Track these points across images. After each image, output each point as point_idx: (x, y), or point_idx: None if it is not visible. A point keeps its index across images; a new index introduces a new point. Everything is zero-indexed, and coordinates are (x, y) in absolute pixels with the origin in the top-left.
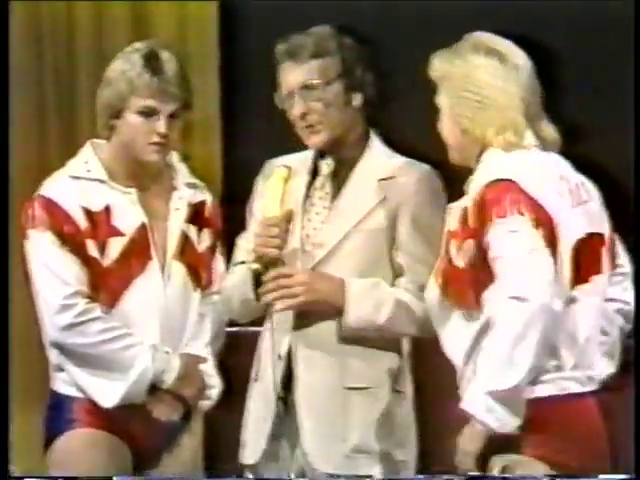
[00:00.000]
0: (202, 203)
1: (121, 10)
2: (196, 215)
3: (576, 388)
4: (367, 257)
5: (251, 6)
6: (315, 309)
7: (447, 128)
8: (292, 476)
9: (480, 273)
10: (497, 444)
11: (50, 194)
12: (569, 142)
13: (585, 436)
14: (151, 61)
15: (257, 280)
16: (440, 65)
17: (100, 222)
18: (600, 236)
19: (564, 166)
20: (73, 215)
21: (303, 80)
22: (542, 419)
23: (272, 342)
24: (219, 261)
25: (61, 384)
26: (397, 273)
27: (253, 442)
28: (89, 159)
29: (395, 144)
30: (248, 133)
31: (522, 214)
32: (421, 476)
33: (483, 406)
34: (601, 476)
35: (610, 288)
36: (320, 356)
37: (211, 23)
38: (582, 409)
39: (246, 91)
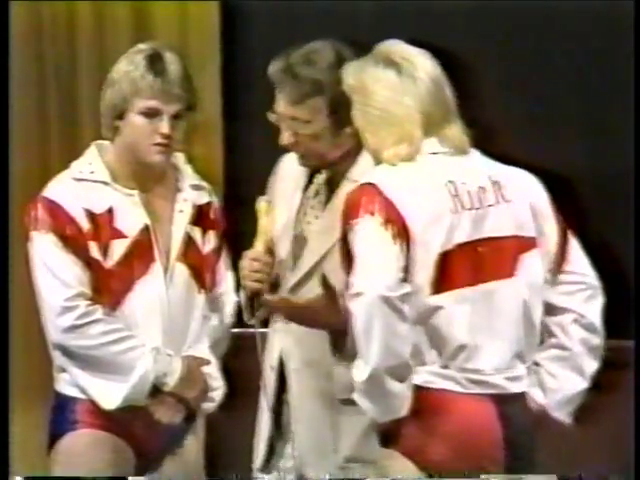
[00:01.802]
0: (208, 205)
1: (122, 10)
2: (201, 217)
3: (443, 385)
4: None
5: (253, 6)
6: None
7: (362, 141)
8: None
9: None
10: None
11: (53, 196)
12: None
13: (453, 432)
14: (154, 62)
15: (251, 300)
16: (348, 79)
17: (103, 224)
18: (517, 239)
19: (461, 171)
20: (75, 217)
21: (291, 115)
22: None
23: (264, 353)
24: (225, 263)
25: (64, 385)
26: None
27: (260, 446)
28: (93, 161)
29: None
30: (250, 134)
31: (372, 213)
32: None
33: (357, 396)
34: (601, 476)
35: (560, 297)
36: (310, 368)
37: (212, 23)
38: (451, 406)
39: (248, 92)
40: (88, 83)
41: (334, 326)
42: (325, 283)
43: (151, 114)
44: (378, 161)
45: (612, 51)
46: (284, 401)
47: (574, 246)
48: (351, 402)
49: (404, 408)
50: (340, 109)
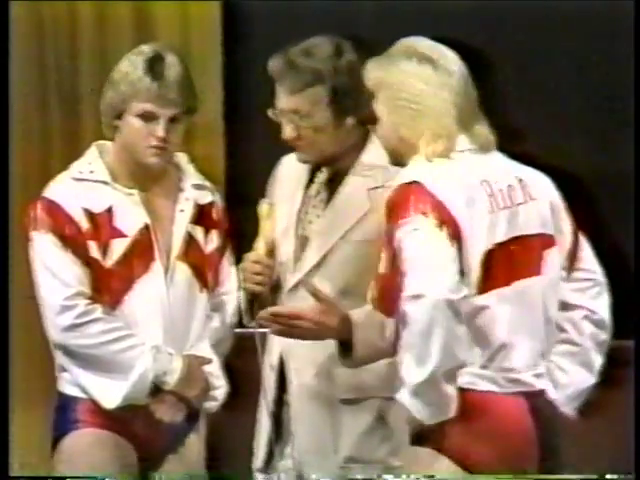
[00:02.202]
0: (210, 204)
1: (124, 10)
2: (203, 216)
3: (484, 386)
4: (355, 268)
5: (254, 6)
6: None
7: (385, 136)
8: None
9: (396, 279)
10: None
11: (52, 196)
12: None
13: (494, 432)
14: (153, 65)
15: (251, 303)
16: (374, 74)
17: (102, 224)
18: (543, 237)
19: (492, 169)
20: (75, 217)
21: (293, 107)
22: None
23: (264, 352)
24: (228, 262)
25: (66, 385)
26: None
27: (260, 445)
28: (93, 161)
29: None
30: (251, 134)
31: (425, 214)
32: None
33: (407, 398)
34: (601, 476)
35: (573, 294)
36: (310, 368)
37: (214, 24)
38: (492, 407)
39: (249, 92)
40: (89, 83)
41: (330, 337)
42: (316, 295)
43: (147, 117)
44: (406, 156)
45: (612, 51)
46: (284, 402)
47: (585, 244)
48: (351, 402)
49: (453, 410)
50: (341, 99)
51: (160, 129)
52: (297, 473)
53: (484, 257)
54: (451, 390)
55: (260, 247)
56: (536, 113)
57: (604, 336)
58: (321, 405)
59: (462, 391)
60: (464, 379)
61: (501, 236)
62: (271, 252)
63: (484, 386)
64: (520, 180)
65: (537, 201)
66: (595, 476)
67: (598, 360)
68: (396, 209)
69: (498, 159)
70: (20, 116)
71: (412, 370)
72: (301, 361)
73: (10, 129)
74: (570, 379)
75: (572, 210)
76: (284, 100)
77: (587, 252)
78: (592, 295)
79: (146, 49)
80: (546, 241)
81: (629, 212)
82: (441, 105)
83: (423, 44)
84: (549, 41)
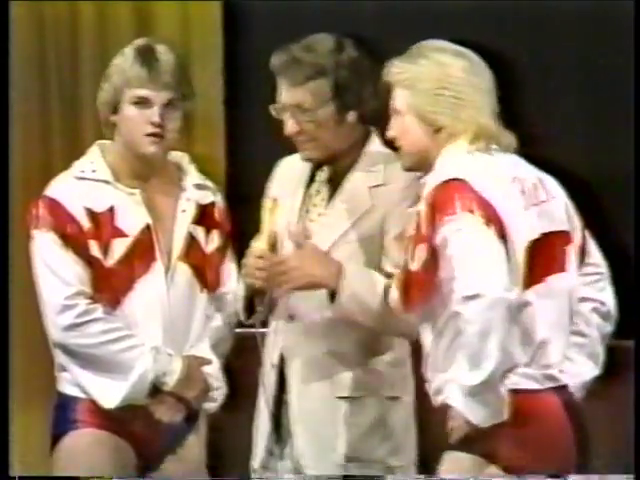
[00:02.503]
0: (212, 204)
1: (124, 10)
2: (205, 216)
3: (526, 384)
4: (356, 265)
5: (254, 6)
6: (309, 290)
7: (411, 131)
8: None
9: (431, 277)
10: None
11: (54, 194)
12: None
13: (539, 434)
14: (143, 53)
15: (250, 300)
16: (404, 67)
17: (104, 223)
18: (564, 234)
19: (519, 167)
20: (76, 216)
21: (295, 101)
22: None
23: (265, 349)
24: (229, 262)
25: (65, 385)
26: (386, 282)
27: (259, 446)
28: (95, 160)
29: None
30: (252, 133)
31: (472, 212)
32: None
33: (461, 400)
34: (601, 476)
35: (583, 288)
36: (310, 365)
37: (214, 23)
38: (535, 406)
39: (249, 91)
40: (90, 83)
41: (319, 285)
42: (297, 243)
43: (142, 103)
44: (434, 150)
45: (612, 51)
46: (283, 401)
47: (590, 239)
48: (351, 401)
49: (506, 412)
50: (343, 94)
51: (155, 114)
52: (296, 472)
53: (525, 254)
54: (504, 392)
55: (263, 242)
56: (536, 113)
57: (609, 328)
58: (321, 403)
59: (509, 393)
60: (511, 380)
61: (535, 233)
62: (274, 247)
63: (526, 384)
64: (540, 179)
65: (556, 199)
66: (595, 476)
67: (602, 352)
68: (439, 206)
69: (517, 159)
70: (21, 115)
71: (468, 371)
72: (301, 359)
73: (11, 129)
74: (578, 370)
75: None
76: (286, 94)
77: (594, 247)
78: (600, 288)
79: (137, 41)
80: (566, 238)
81: (629, 212)
82: (481, 99)
83: (448, 44)
84: (549, 41)
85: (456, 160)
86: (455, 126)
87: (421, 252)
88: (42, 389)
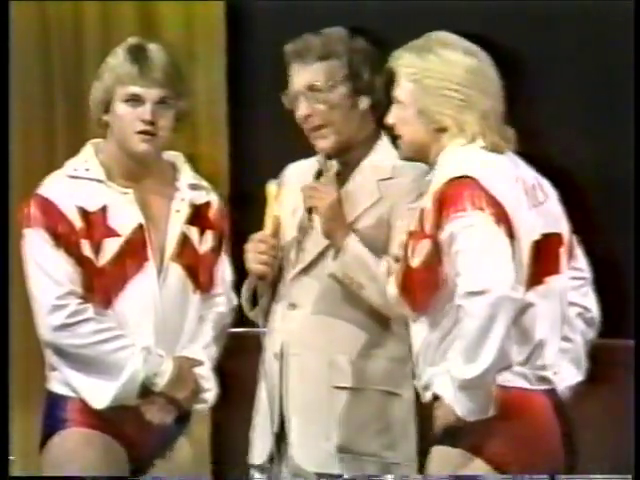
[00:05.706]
0: (207, 204)
1: (128, 10)
2: (199, 216)
3: (518, 383)
4: None
5: (258, 6)
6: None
7: (412, 124)
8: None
9: (432, 273)
10: (443, 433)
11: (46, 193)
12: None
13: (526, 431)
14: (134, 51)
15: (254, 291)
16: (412, 61)
17: (96, 222)
18: (558, 236)
19: (520, 167)
20: (68, 215)
21: (308, 81)
22: None
23: (267, 339)
24: (223, 263)
25: (55, 384)
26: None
27: (260, 442)
28: (88, 158)
29: None
30: (255, 134)
31: (482, 209)
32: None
33: (451, 392)
34: (601, 476)
35: (570, 292)
36: (309, 354)
37: (218, 23)
38: (524, 405)
39: (253, 91)
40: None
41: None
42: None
43: (133, 100)
44: (439, 143)
45: (612, 51)
46: (283, 395)
47: (577, 243)
48: (349, 391)
49: (493, 409)
50: (355, 77)
51: (146, 112)
52: (291, 461)
53: (529, 253)
54: (494, 388)
55: (266, 227)
56: (536, 113)
57: (591, 334)
58: (318, 391)
59: (500, 389)
60: (502, 377)
61: (536, 234)
62: (277, 233)
63: (516, 382)
64: (538, 180)
65: (552, 201)
66: (595, 476)
67: (584, 358)
68: (448, 203)
69: (517, 159)
70: (24, 115)
71: (463, 365)
72: (302, 347)
73: (14, 128)
74: (562, 375)
75: (572, 210)
76: (298, 77)
77: (579, 251)
78: (583, 293)
79: (129, 40)
80: (560, 240)
81: (629, 212)
82: (486, 101)
83: (459, 38)
84: (549, 41)
85: (463, 157)
86: (458, 127)
87: (423, 248)
88: (42, 389)
